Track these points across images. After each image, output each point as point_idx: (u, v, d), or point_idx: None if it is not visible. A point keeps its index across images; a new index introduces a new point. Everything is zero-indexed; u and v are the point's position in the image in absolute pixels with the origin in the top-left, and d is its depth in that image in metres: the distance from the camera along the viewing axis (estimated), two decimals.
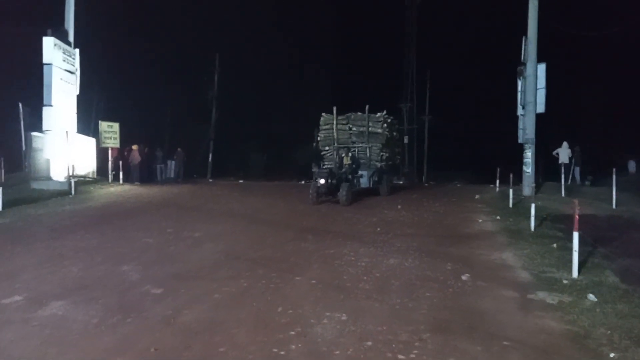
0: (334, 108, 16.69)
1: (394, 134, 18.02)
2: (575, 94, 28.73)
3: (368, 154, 16.31)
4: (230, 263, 7.28)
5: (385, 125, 16.52)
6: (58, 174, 16.04)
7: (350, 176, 14.77)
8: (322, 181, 13.71)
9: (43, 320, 4.90)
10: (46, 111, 15.95)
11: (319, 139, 17.27)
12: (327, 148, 17.08)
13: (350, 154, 15.47)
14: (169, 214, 12.06)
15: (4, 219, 10.87)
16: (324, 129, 17.07)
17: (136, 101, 29.36)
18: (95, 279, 6.32)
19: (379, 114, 16.59)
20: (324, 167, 16.10)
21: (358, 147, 16.44)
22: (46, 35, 15.90)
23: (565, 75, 26.50)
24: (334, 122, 16.63)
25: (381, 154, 16.41)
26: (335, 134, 16.67)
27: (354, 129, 16.62)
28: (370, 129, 16.32)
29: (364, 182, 15.56)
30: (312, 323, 4.88)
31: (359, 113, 16.72)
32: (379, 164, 16.37)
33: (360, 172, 15.47)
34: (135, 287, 6.03)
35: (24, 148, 18.48)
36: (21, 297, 5.51)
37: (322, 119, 17.13)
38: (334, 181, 13.89)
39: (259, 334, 4.59)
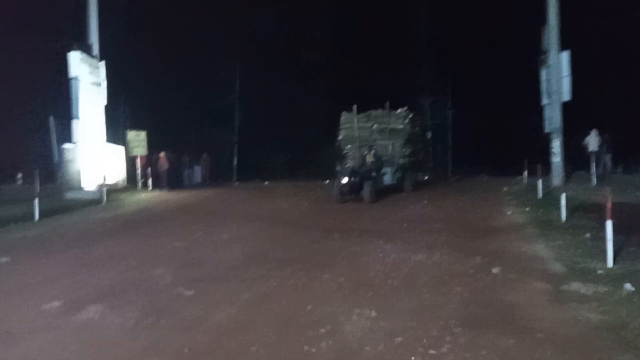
0: (354, 106, 16.66)
1: (417, 129, 17.99)
2: (603, 81, 27.90)
3: (391, 151, 16.28)
4: (258, 263, 7.36)
5: (407, 121, 16.56)
6: (90, 184, 16.49)
7: (373, 174, 14.67)
8: (345, 180, 13.66)
9: (80, 323, 5.06)
10: (75, 123, 16.42)
11: (340, 137, 17.29)
12: (348, 146, 17.05)
13: (372, 152, 15.41)
14: (198, 218, 12.26)
15: (41, 228, 11.24)
16: (345, 128, 17.07)
17: (161, 108, 29.94)
18: (129, 283, 6.49)
19: (400, 110, 16.63)
20: (347, 165, 16.08)
21: (380, 144, 16.37)
22: (72, 49, 16.37)
23: (592, 61, 25.79)
24: (355, 121, 16.68)
25: (404, 150, 16.39)
26: (356, 132, 16.70)
27: (375, 126, 16.63)
28: (391, 125, 16.37)
29: (387, 179, 15.45)
30: (341, 320, 4.91)
31: (380, 110, 16.78)
32: (402, 161, 16.30)
33: (383, 170, 15.37)
34: (167, 289, 6.17)
35: (56, 159, 19.09)
36: (59, 302, 5.70)
37: (342, 117, 17.14)
38: (357, 179, 13.79)
39: (290, 333, 4.64)
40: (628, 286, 5.49)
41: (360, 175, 14.09)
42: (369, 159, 15.17)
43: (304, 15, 34.63)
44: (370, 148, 15.65)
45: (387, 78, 32.21)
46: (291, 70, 33.72)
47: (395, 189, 15.81)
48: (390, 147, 16.31)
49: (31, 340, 4.63)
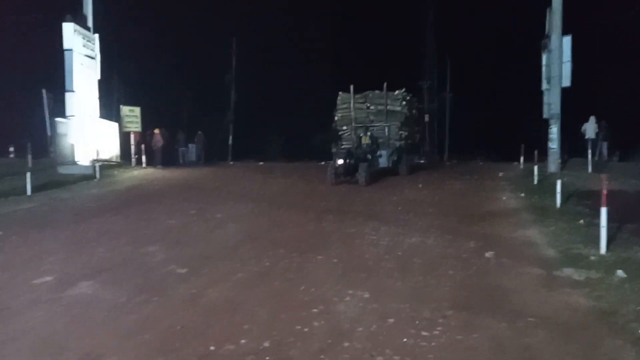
0: (351, 87, 16.33)
1: (413, 112, 17.62)
2: (602, 67, 27.75)
3: (387, 133, 15.96)
4: (252, 243, 7.34)
5: (404, 103, 16.18)
6: (83, 159, 16.34)
7: (369, 156, 14.51)
8: (341, 161, 13.54)
9: (71, 299, 5.03)
10: (68, 97, 16.18)
11: (336, 118, 16.97)
12: (344, 128, 16.73)
13: (368, 134, 15.20)
14: (192, 196, 12.20)
15: (33, 203, 11.15)
16: (342, 109, 16.71)
17: (156, 85, 29.56)
18: (121, 260, 6.46)
19: (397, 92, 16.23)
20: (342, 147, 15.85)
21: (376, 126, 16.09)
22: (65, 21, 16.04)
23: (591, 47, 25.61)
24: (352, 101, 16.29)
25: (400, 132, 16.10)
26: (353, 113, 16.33)
27: (372, 107, 16.27)
28: (388, 107, 15.96)
29: (382, 161, 15.30)
30: (334, 301, 4.90)
31: (377, 91, 16.34)
32: (398, 143, 16.04)
33: (379, 152, 15.20)
34: (160, 267, 6.13)
35: (49, 134, 18.86)
36: (50, 277, 5.66)
37: (339, 98, 16.79)
38: (353, 161, 13.66)
39: (282, 312, 4.63)
40: (620, 273, 5.51)
41: (356, 157, 13.95)
42: (365, 140, 14.96)
43: None
44: (367, 130, 15.43)
45: (387, 60, 31.97)
46: (290, 49, 33.34)
47: (391, 171, 15.71)
48: (386, 130, 15.98)
49: (22, 315, 4.60)
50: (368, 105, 16.33)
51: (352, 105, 16.30)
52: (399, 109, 16.06)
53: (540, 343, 4.00)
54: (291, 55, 33.26)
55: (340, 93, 16.84)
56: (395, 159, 15.82)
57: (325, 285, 5.37)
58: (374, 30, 34.63)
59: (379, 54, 33.59)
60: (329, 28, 34.05)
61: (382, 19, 34.81)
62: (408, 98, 16.67)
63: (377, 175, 14.75)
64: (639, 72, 27.12)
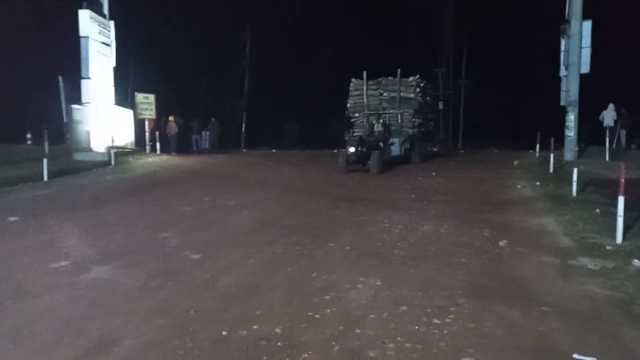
0: (364, 73, 16.16)
1: (428, 99, 17.39)
2: (621, 54, 27.12)
3: (400, 121, 15.83)
4: (265, 230, 7.38)
5: (417, 90, 15.93)
6: (98, 145, 16.53)
7: (381, 144, 14.34)
8: (352, 149, 13.39)
9: (89, 283, 5.12)
10: (84, 84, 16.34)
11: (348, 105, 16.84)
12: (357, 115, 16.61)
13: (381, 121, 15.08)
14: (206, 183, 12.29)
15: (50, 189, 11.33)
16: (354, 95, 16.57)
17: (171, 72, 29.69)
18: (137, 245, 6.55)
19: (411, 78, 15.97)
20: (354, 134, 15.69)
21: (389, 113, 15.98)
22: (81, 8, 16.12)
23: (611, 33, 25.00)
24: (364, 88, 16.14)
25: (413, 120, 15.89)
26: (365, 100, 16.18)
27: (385, 94, 16.09)
28: (402, 94, 15.76)
29: (395, 149, 15.09)
30: (346, 288, 4.92)
31: (390, 78, 16.14)
32: (411, 131, 15.86)
33: (391, 140, 15.01)
34: (175, 252, 6.21)
35: (65, 120, 19.09)
36: (68, 262, 5.77)
37: (351, 84, 16.64)
38: (364, 149, 13.49)
39: (294, 298, 4.66)
40: (637, 262, 5.44)
41: (368, 145, 13.79)
42: (377, 128, 14.83)
43: None
44: (379, 117, 15.32)
45: (401, 47, 31.64)
46: (304, 37, 33.14)
47: (403, 160, 15.54)
48: (399, 117, 15.85)
49: (41, 298, 4.70)
50: (381, 92, 16.13)
51: (365, 91, 16.14)
52: (412, 95, 15.80)
53: (554, 332, 3.97)
54: (306, 41, 33.08)
55: (352, 79, 16.67)
56: (408, 146, 15.61)
57: (338, 272, 5.39)
58: (391, 17, 34.28)
59: (395, 41, 33.29)
60: (346, 15, 33.76)
61: (399, 5, 34.38)
62: (422, 85, 16.39)
63: (391, 163, 14.69)
64: None
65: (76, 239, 6.85)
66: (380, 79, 16.25)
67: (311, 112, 32.96)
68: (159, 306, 4.52)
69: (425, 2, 34.51)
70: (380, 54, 29.31)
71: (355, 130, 16.41)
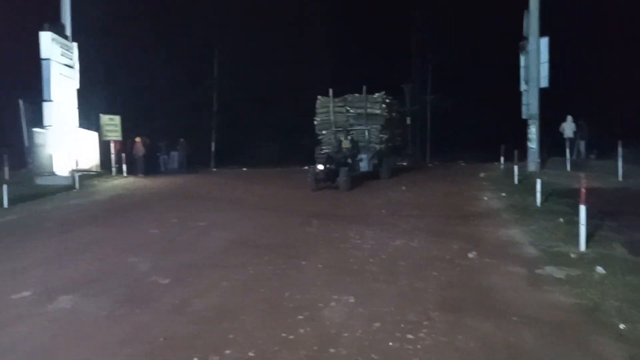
0: (330, 90, 16.16)
1: (394, 114, 17.46)
2: (579, 67, 28.33)
3: (367, 137, 15.87)
4: (236, 250, 7.29)
5: (384, 105, 16.01)
6: (62, 169, 16.06)
7: (349, 160, 14.36)
8: (321, 167, 13.34)
9: (53, 314, 4.93)
10: (46, 106, 15.89)
11: (315, 123, 16.77)
12: (324, 132, 16.57)
13: (349, 137, 15.10)
14: (175, 204, 12.08)
15: (12, 215, 10.91)
16: (321, 112, 16.54)
17: (137, 92, 29.28)
18: (103, 272, 6.35)
19: (377, 95, 16.04)
20: (322, 152, 15.60)
21: (357, 129, 15.97)
22: (43, 29, 15.78)
23: (569, 49, 26.12)
24: (331, 105, 16.15)
25: (381, 135, 15.95)
26: (332, 116, 16.18)
27: (351, 111, 16.11)
28: (368, 110, 15.82)
29: (363, 165, 15.15)
30: (320, 307, 4.89)
31: (357, 94, 16.17)
32: (378, 147, 15.93)
33: (359, 156, 15.07)
34: (143, 277, 6.05)
35: (26, 144, 18.50)
36: (30, 292, 5.54)
37: (318, 102, 16.62)
38: (333, 166, 13.48)
39: (268, 320, 4.60)
40: (600, 269, 5.62)
41: (336, 162, 13.76)
42: (345, 144, 14.83)
43: None
44: (347, 133, 15.36)
45: (369, 64, 32.18)
46: (272, 54, 33.32)
47: (372, 175, 15.60)
48: (366, 133, 15.88)
49: (4, 331, 4.49)
50: (348, 108, 16.18)
51: (331, 109, 16.17)
52: (378, 111, 15.89)
53: (525, 341, 4.04)
54: (275, 59, 33.25)
55: (319, 97, 16.67)
56: (377, 162, 15.69)
57: (311, 291, 5.36)
58: (358, 34, 34.87)
59: (363, 58, 33.83)
60: (315, 34, 34.15)
61: (367, 23, 35.07)
62: (388, 101, 16.50)
63: (362, 178, 14.79)
64: (614, 71, 27.81)
65: (39, 268, 6.59)
66: (346, 95, 16.32)
67: (282, 130, 33.02)
68: (127, 335, 4.38)
69: (391, 19, 35.32)
70: (348, 71, 29.73)
71: (323, 147, 16.37)
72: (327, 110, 16.29)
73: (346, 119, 16.21)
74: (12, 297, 5.39)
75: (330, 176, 13.39)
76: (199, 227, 9.13)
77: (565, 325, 4.33)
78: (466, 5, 32.89)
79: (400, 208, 10.49)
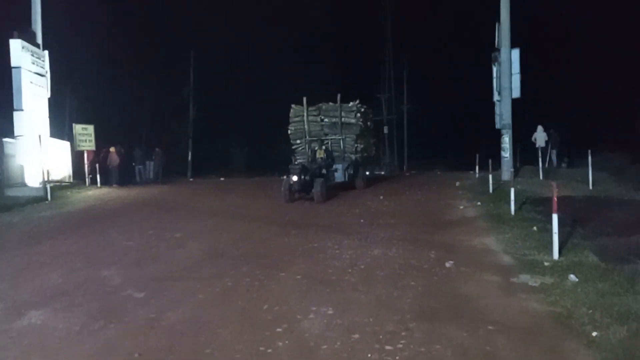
0: (304, 98, 15.77)
1: (369, 123, 17.13)
2: (550, 77, 29.15)
3: (342, 146, 15.58)
4: (213, 262, 7.20)
5: (358, 115, 15.65)
6: (33, 180, 15.65)
7: (324, 170, 14.04)
8: (295, 178, 12.91)
9: (22, 329, 4.77)
10: (17, 116, 15.51)
11: (289, 132, 16.36)
12: (298, 141, 16.14)
13: (323, 147, 14.81)
14: (150, 215, 11.88)
15: None
16: (295, 121, 16.17)
17: (111, 101, 28.82)
18: (75, 285, 6.18)
19: (351, 104, 15.68)
20: (296, 162, 15.19)
21: (331, 139, 15.65)
22: (13, 37, 15.43)
23: (540, 60, 26.88)
24: (305, 114, 15.75)
25: (356, 145, 15.64)
26: (306, 126, 15.79)
27: (325, 120, 15.76)
28: (343, 119, 15.50)
29: (338, 176, 14.84)
30: (298, 318, 4.86)
31: (331, 103, 15.84)
32: (354, 156, 15.63)
33: (334, 166, 14.75)
34: (117, 291, 5.92)
35: None
36: None
37: (292, 110, 16.22)
38: (307, 177, 13.08)
39: (245, 333, 4.54)
40: (572, 277, 5.74)
41: (311, 172, 13.39)
42: (320, 154, 14.53)
43: (261, 5, 34.24)
44: (321, 143, 15.04)
45: (344, 73, 32.42)
46: (248, 62, 33.28)
47: (347, 185, 15.14)
48: (341, 143, 15.57)
49: None
50: (322, 117, 15.84)
51: (305, 117, 15.80)
52: (353, 121, 15.57)
53: (501, 350, 4.09)
54: (251, 67, 33.21)
55: (292, 105, 16.32)
56: (352, 172, 15.41)
57: (289, 302, 5.32)
58: (333, 43, 35.14)
59: (338, 65, 34.08)
60: (290, 42, 34.27)
61: (340, 31, 35.37)
62: (362, 110, 16.16)
63: (339, 188, 14.76)
64: (584, 82, 28.69)
65: (8, 282, 6.38)
66: (320, 104, 15.96)
67: (258, 139, 32.92)
68: (100, 350, 4.27)
69: (365, 29, 35.76)
70: (324, 80, 29.92)
71: (298, 157, 16.01)
72: (301, 119, 15.94)
73: (320, 128, 15.90)
74: None
75: (305, 187, 13.04)
76: (175, 238, 8.99)
77: (539, 333, 4.40)
78: (442, 15, 33.57)
79: (378, 217, 10.54)
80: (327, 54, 34.57)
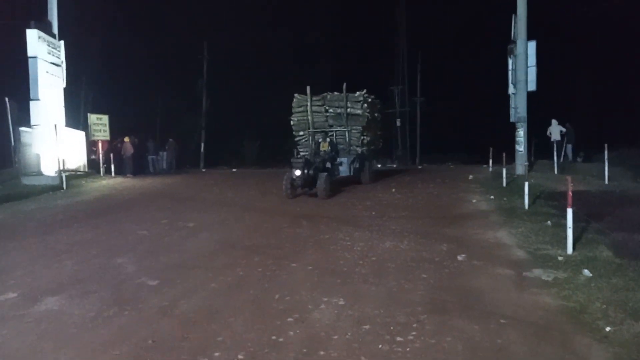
0: (308, 87, 14.96)
1: (376, 115, 16.20)
2: (566, 71, 28.70)
3: (347, 139, 14.82)
4: (225, 252, 7.26)
5: (365, 105, 14.79)
6: (48, 169, 15.88)
7: (328, 164, 13.35)
8: (298, 172, 12.19)
9: (38, 315, 4.86)
10: (33, 105, 15.71)
11: (292, 123, 15.63)
12: (301, 133, 15.43)
13: (327, 139, 14.16)
14: (163, 205, 12.00)
15: None
16: (298, 112, 15.34)
17: (125, 92, 29.06)
18: (90, 273, 6.28)
19: (358, 93, 14.80)
20: (299, 156, 14.37)
21: (336, 131, 14.93)
22: (29, 27, 15.60)
23: (556, 52, 26.46)
24: (309, 104, 14.95)
25: (362, 137, 14.89)
26: (310, 117, 14.98)
27: (330, 110, 14.96)
28: (349, 110, 14.64)
29: (343, 170, 14.11)
30: (309, 309, 4.88)
31: (336, 93, 15.02)
32: (360, 149, 14.88)
33: (339, 159, 14.02)
34: (130, 279, 6.00)
35: (12, 143, 18.27)
36: (15, 293, 5.47)
37: (294, 100, 15.38)
38: (311, 171, 12.39)
39: (257, 322, 4.58)
40: (586, 272, 5.68)
41: (315, 166, 12.71)
42: (324, 147, 13.89)
43: None
44: (326, 135, 14.39)
45: (357, 65, 32.27)
46: (261, 55, 33.26)
47: (352, 180, 14.57)
48: (347, 135, 14.79)
49: None
50: (326, 108, 15.05)
51: (309, 108, 15.01)
52: (360, 112, 14.71)
53: (512, 344, 4.07)
54: (263, 58, 33.20)
55: (295, 95, 15.48)
56: (357, 166, 14.63)
57: (300, 292, 5.35)
58: (347, 35, 34.98)
59: (351, 57, 33.94)
60: (304, 33, 34.17)
61: (355, 23, 35.19)
62: (370, 100, 15.25)
63: (350, 181, 14.66)
64: (602, 75, 28.21)
65: (24, 269, 6.50)
66: (325, 94, 15.15)
67: (271, 130, 32.95)
68: (114, 337, 4.34)
69: (379, 21, 35.50)
70: (336, 72, 29.79)
71: (301, 149, 15.33)
72: (304, 109, 15.15)
73: (325, 119, 15.15)
74: None
75: (308, 182, 12.36)
76: (187, 227, 9.07)
77: (552, 327, 4.37)
78: (456, 7, 33.17)
79: (390, 210, 10.52)
80: (339, 47, 34.43)
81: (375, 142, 16.45)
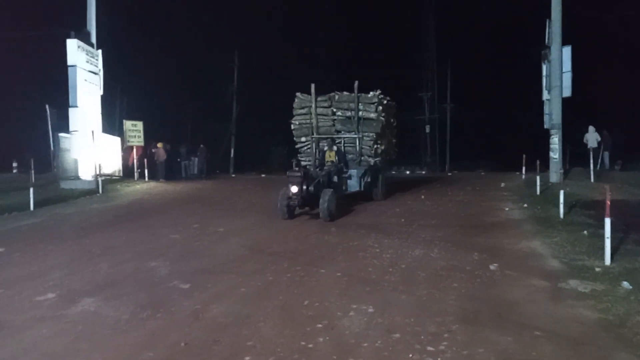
0: (312, 85, 12.78)
1: (392, 120, 13.81)
2: (602, 78, 27.87)
3: (358, 147, 12.53)
4: (255, 257, 7.32)
5: (380, 108, 12.52)
6: (86, 173, 16.38)
7: (335, 178, 11.33)
8: (295, 188, 9.97)
9: (75, 316, 5.01)
10: (72, 112, 16.27)
11: (292, 127, 13.45)
12: (303, 140, 13.30)
13: (334, 148, 12.11)
14: (194, 210, 12.21)
15: (36, 218, 11.16)
16: (300, 114, 13.20)
17: (158, 99, 29.80)
18: (124, 276, 6.44)
19: (371, 94, 12.59)
20: (297, 169, 11.34)
21: (345, 137, 12.71)
22: (69, 37, 16.20)
23: (592, 58, 25.76)
24: (313, 105, 12.75)
25: (375, 146, 12.67)
26: (314, 120, 12.78)
27: (338, 113, 12.75)
28: (360, 113, 12.40)
29: (352, 184, 12.00)
30: (338, 316, 4.87)
31: (345, 93, 12.85)
32: (372, 160, 12.66)
33: (348, 172, 12.03)
34: (163, 282, 6.12)
35: (52, 149, 18.96)
36: (54, 294, 5.65)
37: (296, 100, 13.29)
38: (312, 187, 10.23)
39: (286, 327, 4.60)
40: (626, 284, 5.48)
41: (317, 181, 10.61)
42: (330, 157, 11.93)
43: (305, 3, 34.43)
44: (332, 142, 12.28)
45: (386, 71, 32.15)
46: (290, 61, 33.56)
47: (362, 196, 12.45)
48: (357, 142, 12.53)
49: (25, 332, 4.58)
50: (334, 110, 12.84)
51: (313, 110, 12.79)
52: (373, 115, 12.43)
53: (547, 357, 3.96)
54: (291, 65, 33.49)
55: (297, 94, 13.42)
56: (369, 180, 12.44)
57: (329, 299, 5.35)
58: (375, 40, 34.93)
59: (380, 64, 33.84)
60: (333, 40, 34.34)
61: (384, 30, 35.15)
62: (385, 102, 13.05)
63: (359, 196, 12.43)
64: (638, 81, 27.25)
65: (62, 271, 6.72)
66: (332, 93, 13.00)
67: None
68: (147, 339, 4.43)
69: (409, 27, 35.34)
70: (365, 79, 29.75)
71: (302, 159, 13.32)
72: (308, 111, 12.94)
73: (332, 124, 12.92)
74: (36, 299, 5.50)
75: (307, 201, 10.22)
76: (218, 233, 9.20)
77: (589, 341, 4.23)
78: (488, 12, 32.69)
79: (420, 217, 10.41)
80: (369, 52, 34.38)
81: (390, 151, 14.14)
